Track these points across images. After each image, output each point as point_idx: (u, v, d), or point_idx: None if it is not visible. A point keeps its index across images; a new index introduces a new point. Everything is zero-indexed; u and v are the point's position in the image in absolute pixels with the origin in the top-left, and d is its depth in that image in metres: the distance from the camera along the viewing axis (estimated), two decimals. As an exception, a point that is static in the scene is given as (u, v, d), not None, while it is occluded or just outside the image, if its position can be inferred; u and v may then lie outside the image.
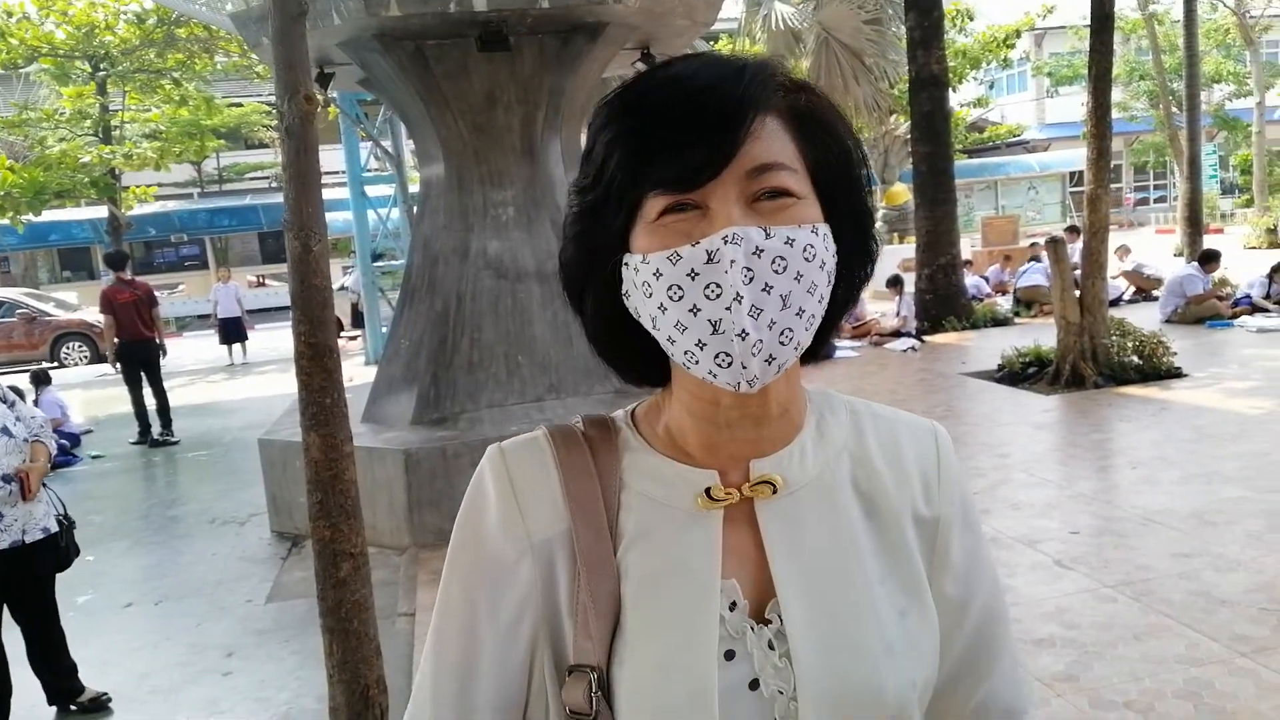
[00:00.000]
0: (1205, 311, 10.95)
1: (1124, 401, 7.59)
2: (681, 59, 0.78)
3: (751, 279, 0.72)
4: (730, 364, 0.73)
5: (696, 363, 0.75)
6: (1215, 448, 6.03)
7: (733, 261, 0.71)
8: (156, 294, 10.46)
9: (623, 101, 0.77)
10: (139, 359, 9.93)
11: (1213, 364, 8.70)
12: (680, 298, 0.74)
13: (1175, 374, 8.16)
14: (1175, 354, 8.34)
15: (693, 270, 0.73)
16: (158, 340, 10.11)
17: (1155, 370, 8.14)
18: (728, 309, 0.72)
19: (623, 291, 0.80)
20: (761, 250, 0.72)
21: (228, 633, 4.81)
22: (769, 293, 0.73)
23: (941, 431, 0.93)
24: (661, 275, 0.74)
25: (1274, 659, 3.35)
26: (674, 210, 0.74)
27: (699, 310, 0.73)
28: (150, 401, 10.04)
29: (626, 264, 0.78)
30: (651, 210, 0.75)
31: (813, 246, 0.75)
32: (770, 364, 0.74)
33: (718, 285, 0.72)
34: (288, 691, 4.10)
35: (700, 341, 0.74)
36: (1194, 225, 17.04)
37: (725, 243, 0.72)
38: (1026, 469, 5.95)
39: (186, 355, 17.81)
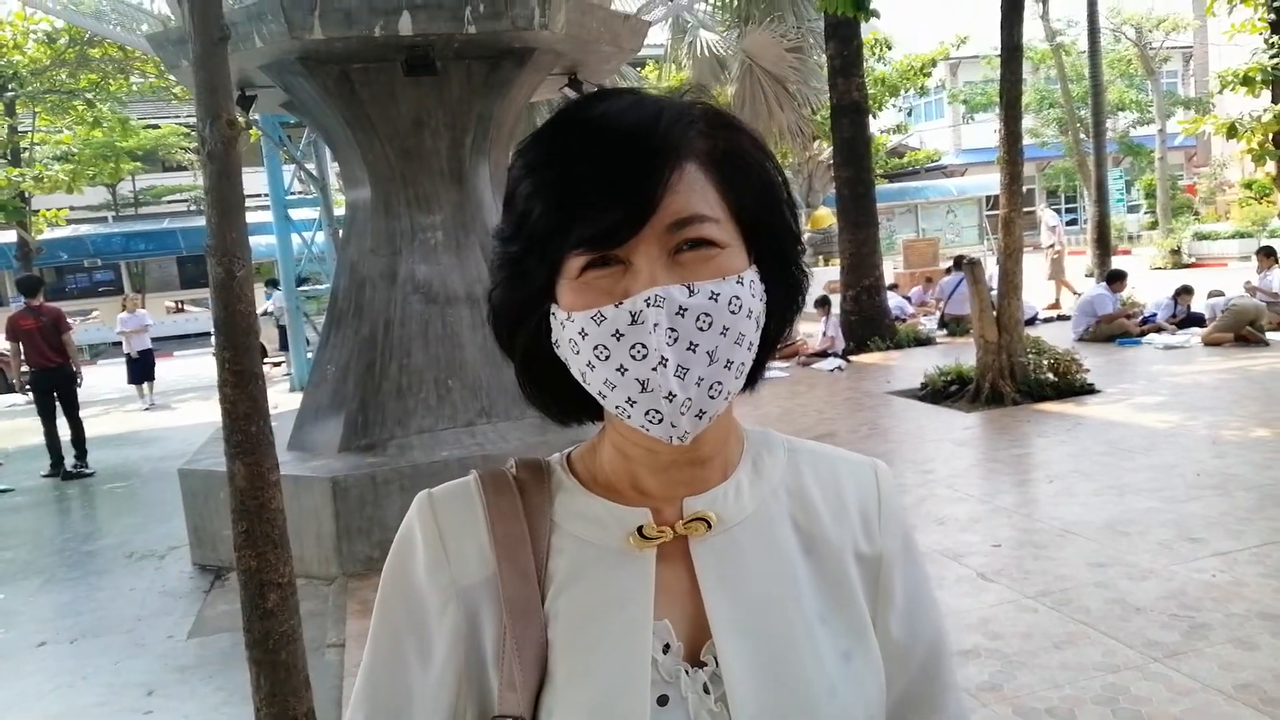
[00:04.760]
0: (1115, 330, 11.42)
1: (1041, 417, 7.84)
2: (598, 98, 0.76)
3: (676, 339, 0.71)
4: (661, 420, 0.72)
5: (629, 417, 0.74)
6: (1127, 460, 6.26)
7: (655, 325, 0.70)
8: (70, 319, 10.12)
9: (540, 152, 0.75)
10: (49, 387, 9.60)
11: (1123, 380, 9.05)
12: (607, 357, 0.72)
13: (1088, 390, 8.47)
14: (1088, 371, 8.67)
15: (617, 331, 0.71)
16: (73, 368, 9.77)
17: (1069, 387, 8.44)
18: (654, 370, 0.71)
19: (552, 340, 0.78)
20: (685, 309, 0.71)
21: (148, 670, 4.65)
22: (695, 351, 0.71)
23: (882, 468, 0.92)
24: (587, 335, 0.73)
25: (1185, 663, 3.49)
26: (596, 265, 0.73)
27: (626, 370, 0.72)
28: (65, 432, 9.68)
29: (554, 315, 0.77)
30: (573, 267, 0.73)
31: (739, 298, 0.73)
32: (701, 418, 0.73)
33: (643, 346, 0.71)
34: (212, 729, 3.98)
35: (630, 399, 0.73)
36: (1103, 247, 17.71)
37: (648, 305, 0.70)
38: (950, 484, 6.10)
39: (102, 384, 17.20)
